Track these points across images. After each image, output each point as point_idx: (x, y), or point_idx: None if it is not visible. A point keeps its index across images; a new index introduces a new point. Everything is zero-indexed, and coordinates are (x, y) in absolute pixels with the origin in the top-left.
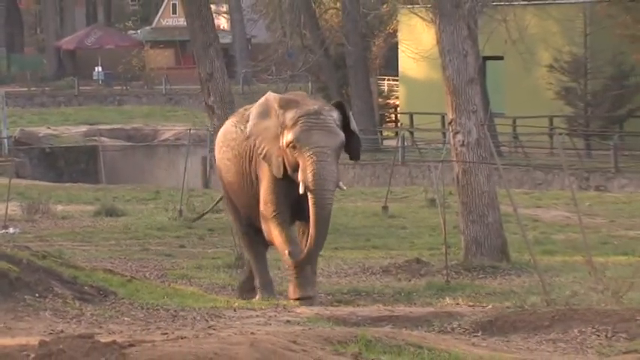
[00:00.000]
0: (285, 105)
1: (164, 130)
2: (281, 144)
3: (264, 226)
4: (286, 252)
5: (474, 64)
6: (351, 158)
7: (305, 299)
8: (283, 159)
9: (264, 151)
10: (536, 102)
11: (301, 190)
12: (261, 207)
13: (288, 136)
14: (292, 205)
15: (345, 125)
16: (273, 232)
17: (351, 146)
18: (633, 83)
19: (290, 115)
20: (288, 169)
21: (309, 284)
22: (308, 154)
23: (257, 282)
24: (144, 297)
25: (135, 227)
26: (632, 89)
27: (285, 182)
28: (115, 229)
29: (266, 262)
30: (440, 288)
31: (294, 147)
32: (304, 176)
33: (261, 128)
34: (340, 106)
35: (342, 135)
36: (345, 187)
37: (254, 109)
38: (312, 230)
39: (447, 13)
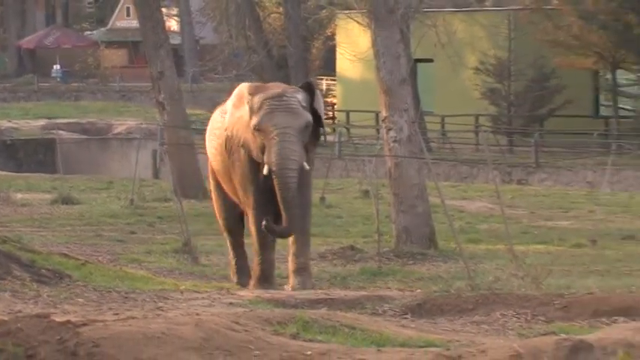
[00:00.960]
0: (254, 91)
1: (117, 124)
2: (250, 128)
3: (247, 212)
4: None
5: (406, 65)
6: (314, 135)
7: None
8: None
9: (242, 140)
10: (464, 102)
11: (265, 172)
12: (241, 196)
13: (254, 120)
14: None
15: (312, 105)
16: (251, 224)
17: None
18: (553, 85)
19: (256, 99)
20: (258, 152)
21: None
22: (271, 135)
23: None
24: (97, 280)
25: (89, 214)
26: (552, 90)
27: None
28: (70, 216)
29: (241, 249)
30: (372, 273)
31: (259, 130)
32: (268, 158)
33: (235, 118)
34: (308, 87)
35: (306, 116)
36: (308, 167)
37: (229, 101)
38: (283, 214)
39: (382, 19)
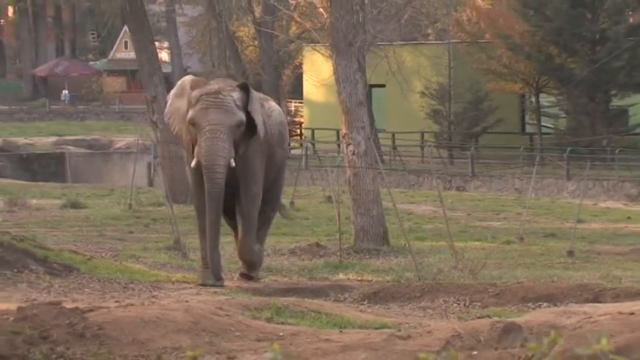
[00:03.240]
0: (195, 85)
1: (117, 140)
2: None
3: None
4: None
5: (363, 90)
6: (248, 134)
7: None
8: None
9: (175, 130)
10: (411, 121)
11: (193, 164)
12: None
13: (190, 114)
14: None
15: (246, 107)
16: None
17: (247, 126)
18: (486, 106)
19: (194, 94)
20: (189, 144)
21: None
22: (203, 130)
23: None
24: (101, 272)
25: (94, 217)
26: (486, 111)
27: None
28: (78, 218)
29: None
30: (335, 266)
31: (193, 124)
32: (198, 152)
33: (174, 108)
34: (244, 88)
35: (239, 114)
36: (234, 164)
37: (172, 90)
38: (206, 206)
39: (342, 51)
